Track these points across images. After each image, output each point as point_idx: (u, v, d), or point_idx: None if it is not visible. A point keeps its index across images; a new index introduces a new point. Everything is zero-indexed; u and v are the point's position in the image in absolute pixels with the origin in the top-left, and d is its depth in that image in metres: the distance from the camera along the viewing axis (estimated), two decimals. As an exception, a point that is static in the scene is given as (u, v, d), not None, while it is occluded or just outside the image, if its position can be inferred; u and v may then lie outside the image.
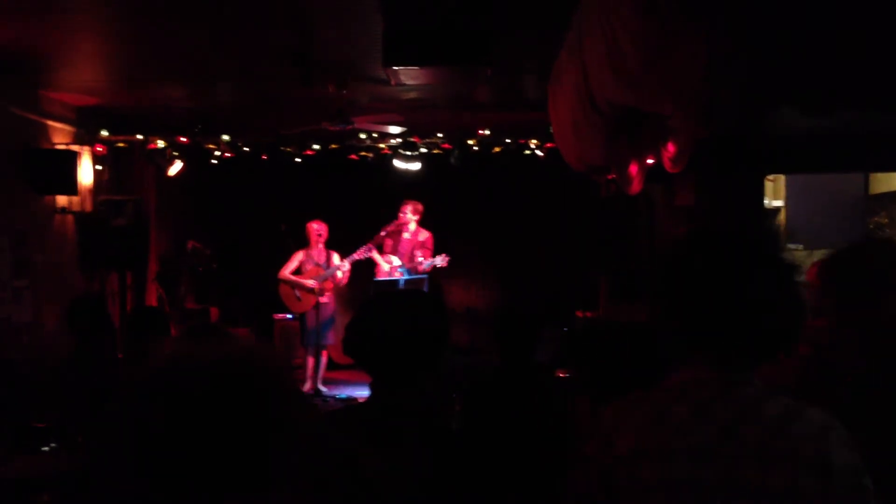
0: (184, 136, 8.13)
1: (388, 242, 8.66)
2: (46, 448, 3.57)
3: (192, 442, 1.25)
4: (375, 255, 8.61)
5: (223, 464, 1.26)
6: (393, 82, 5.90)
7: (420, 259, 8.42)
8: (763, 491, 1.49)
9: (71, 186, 7.09)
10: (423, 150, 8.32)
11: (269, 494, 1.30)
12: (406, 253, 8.54)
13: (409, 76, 5.60)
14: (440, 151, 8.30)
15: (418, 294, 2.38)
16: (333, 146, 8.36)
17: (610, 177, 7.09)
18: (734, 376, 1.58)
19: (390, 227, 8.69)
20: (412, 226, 8.63)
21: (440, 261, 8.42)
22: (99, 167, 7.92)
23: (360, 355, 2.14)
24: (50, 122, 7.19)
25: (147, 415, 1.28)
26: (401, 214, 8.61)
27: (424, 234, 8.63)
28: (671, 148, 4.41)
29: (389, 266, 8.52)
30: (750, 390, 1.58)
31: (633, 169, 5.47)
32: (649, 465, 1.52)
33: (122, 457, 1.29)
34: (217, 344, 1.37)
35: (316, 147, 8.38)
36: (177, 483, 1.25)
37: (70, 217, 7.43)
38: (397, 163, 8.45)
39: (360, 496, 1.61)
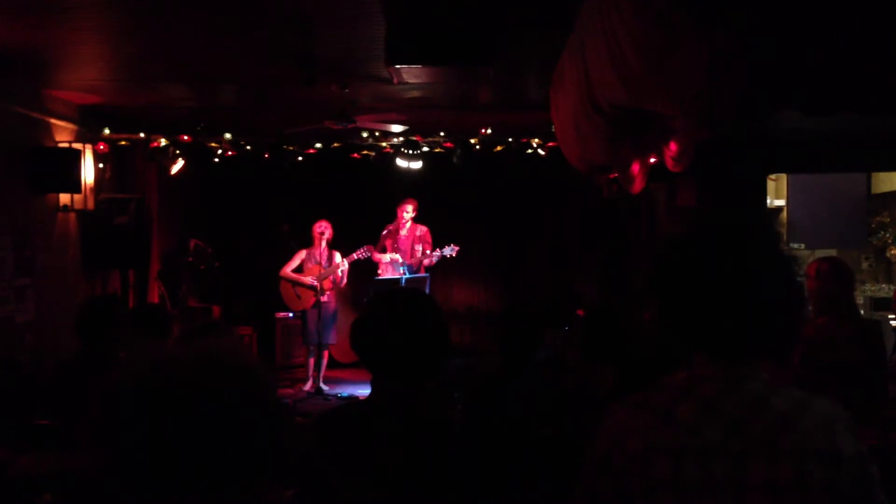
0: (186, 135, 8.14)
1: (388, 244, 8.68)
2: (48, 447, 3.58)
3: (176, 442, 1.26)
4: (377, 256, 8.64)
5: (210, 464, 1.27)
6: (395, 81, 5.91)
7: (428, 251, 8.44)
8: (773, 485, 1.50)
9: (74, 185, 7.10)
10: (426, 149, 8.32)
11: (260, 494, 1.31)
12: (406, 249, 8.56)
13: (411, 75, 5.61)
14: (442, 150, 8.30)
15: (424, 295, 2.37)
16: (336, 145, 8.37)
17: (612, 176, 7.09)
18: (741, 371, 1.59)
19: (390, 227, 8.71)
20: (408, 223, 8.66)
21: (449, 251, 8.42)
22: (101, 165, 7.92)
23: (365, 352, 2.15)
24: (52, 121, 7.19)
25: (130, 416, 1.28)
26: (404, 214, 8.63)
27: (421, 229, 8.66)
28: (673, 147, 4.41)
29: (392, 261, 8.54)
30: (756, 385, 1.58)
31: (636, 168, 5.47)
32: (660, 464, 1.52)
33: (116, 458, 1.29)
34: (205, 341, 1.37)
35: (318, 146, 8.39)
36: (163, 483, 1.26)
37: (72, 215, 7.44)
38: (399, 162, 8.45)
39: None
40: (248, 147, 8.34)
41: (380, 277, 8.48)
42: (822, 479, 1.50)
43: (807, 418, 1.55)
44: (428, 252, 8.45)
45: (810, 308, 4.26)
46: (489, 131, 8.25)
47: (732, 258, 1.58)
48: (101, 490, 1.32)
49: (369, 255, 8.56)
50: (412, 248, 8.55)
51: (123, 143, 8.03)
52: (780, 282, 1.60)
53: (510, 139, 8.31)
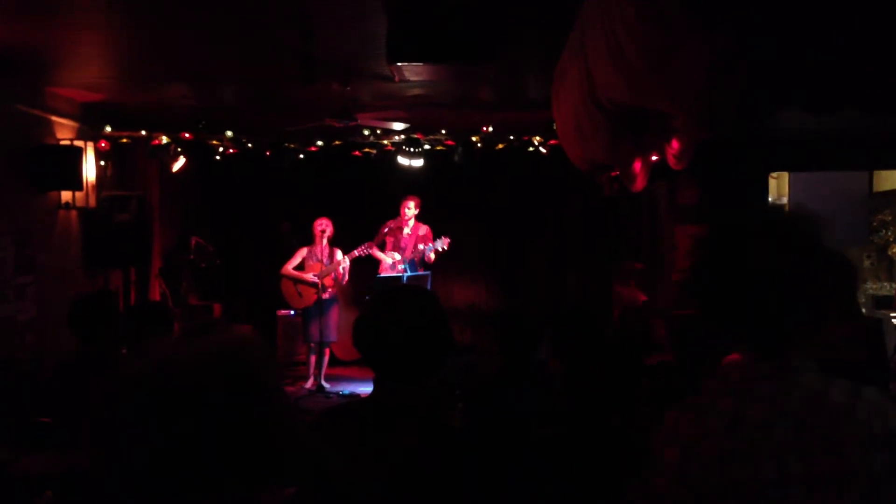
0: (187, 133, 8.13)
1: (389, 240, 8.66)
2: (50, 445, 3.57)
3: (182, 442, 1.25)
4: (377, 252, 8.60)
5: (215, 463, 1.26)
6: (397, 79, 5.90)
7: (421, 247, 8.43)
8: (842, 477, 1.51)
9: (75, 182, 7.09)
10: (427, 146, 8.32)
11: (260, 493, 1.31)
12: (409, 248, 8.55)
13: (412, 73, 5.61)
14: (443, 148, 8.30)
15: (426, 292, 2.36)
16: (337, 143, 8.36)
17: (613, 174, 7.09)
18: (794, 365, 1.59)
19: (391, 224, 8.69)
20: (411, 221, 8.64)
21: (440, 244, 8.41)
22: (102, 163, 7.92)
23: (367, 351, 2.14)
24: (54, 118, 7.19)
25: (136, 416, 1.28)
26: (406, 210, 8.60)
27: (424, 229, 8.65)
28: (675, 145, 4.41)
29: (392, 261, 8.52)
30: (811, 377, 1.59)
31: (637, 166, 5.47)
32: (736, 469, 1.52)
33: (116, 457, 1.29)
34: (208, 339, 1.36)
35: (319, 143, 8.38)
36: (169, 482, 1.26)
37: (74, 213, 7.44)
38: (401, 159, 8.45)
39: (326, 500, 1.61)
40: (250, 145, 8.34)
41: (382, 275, 8.48)
42: (886, 465, 1.52)
43: (862, 407, 1.56)
44: (421, 247, 8.44)
45: None
46: (490, 129, 8.24)
47: (775, 253, 1.59)
48: (101, 489, 1.31)
49: (370, 251, 8.54)
50: (415, 247, 8.55)
51: (125, 140, 8.02)
52: (825, 274, 1.60)
53: (511, 137, 8.30)
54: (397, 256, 8.51)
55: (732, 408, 1.56)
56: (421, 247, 8.45)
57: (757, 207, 1.71)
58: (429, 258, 8.46)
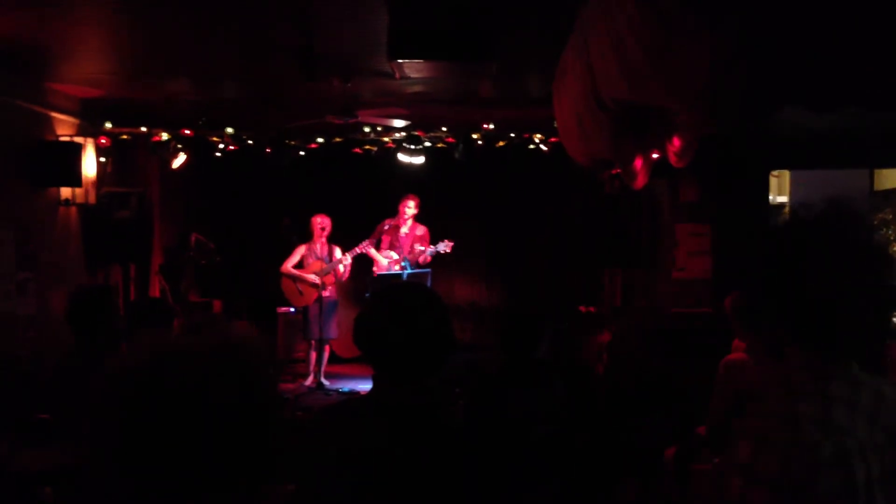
0: (188, 129, 8.12)
1: (386, 239, 8.61)
2: (49, 442, 3.57)
3: (176, 436, 1.24)
4: (372, 252, 8.53)
5: (212, 459, 1.25)
6: (398, 76, 5.89)
7: (421, 248, 8.39)
8: None
9: (75, 178, 7.09)
10: (427, 143, 8.30)
11: (260, 488, 1.30)
12: (405, 247, 8.52)
13: (413, 70, 5.60)
14: (444, 145, 8.28)
15: (426, 290, 2.35)
16: (337, 140, 8.35)
17: (614, 172, 7.08)
18: (854, 365, 1.62)
19: (391, 222, 8.66)
20: (409, 221, 8.60)
21: (443, 247, 8.37)
22: (103, 159, 7.91)
23: (367, 348, 2.14)
24: (54, 114, 7.18)
25: (128, 410, 1.26)
26: (405, 209, 8.56)
27: (421, 229, 8.60)
28: (677, 142, 4.40)
29: (388, 261, 8.47)
30: (865, 375, 1.61)
31: (639, 163, 5.46)
32: (835, 475, 1.52)
33: (109, 452, 1.27)
34: (204, 335, 1.34)
35: (320, 140, 8.37)
36: (163, 478, 1.24)
37: (74, 209, 7.43)
38: (401, 156, 8.43)
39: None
40: (250, 142, 8.32)
41: (382, 272, 8.43)
42: None
43: None
44: (422, 248, 8.40)
45: None
46: (491, 126, 8.23)
47: (841, 256, 1.60)
48: (100, 486, 1.30)
49: (367, 251, 8.48)
50: (411, 247, 8.50)
51: (125, 136, 8.01)
52: (884, 278, 1.62)
53: (512, 135, 8.29)
54: (394, 255, 8.45)
55: (821, 411, 1.56)
56: (420, 248, 8.41)
57: (824, 212, 1.69)
58: (426, 259, 8.42)
